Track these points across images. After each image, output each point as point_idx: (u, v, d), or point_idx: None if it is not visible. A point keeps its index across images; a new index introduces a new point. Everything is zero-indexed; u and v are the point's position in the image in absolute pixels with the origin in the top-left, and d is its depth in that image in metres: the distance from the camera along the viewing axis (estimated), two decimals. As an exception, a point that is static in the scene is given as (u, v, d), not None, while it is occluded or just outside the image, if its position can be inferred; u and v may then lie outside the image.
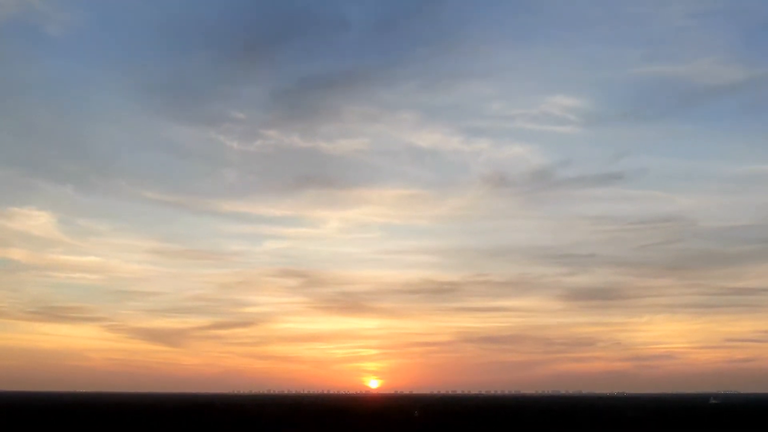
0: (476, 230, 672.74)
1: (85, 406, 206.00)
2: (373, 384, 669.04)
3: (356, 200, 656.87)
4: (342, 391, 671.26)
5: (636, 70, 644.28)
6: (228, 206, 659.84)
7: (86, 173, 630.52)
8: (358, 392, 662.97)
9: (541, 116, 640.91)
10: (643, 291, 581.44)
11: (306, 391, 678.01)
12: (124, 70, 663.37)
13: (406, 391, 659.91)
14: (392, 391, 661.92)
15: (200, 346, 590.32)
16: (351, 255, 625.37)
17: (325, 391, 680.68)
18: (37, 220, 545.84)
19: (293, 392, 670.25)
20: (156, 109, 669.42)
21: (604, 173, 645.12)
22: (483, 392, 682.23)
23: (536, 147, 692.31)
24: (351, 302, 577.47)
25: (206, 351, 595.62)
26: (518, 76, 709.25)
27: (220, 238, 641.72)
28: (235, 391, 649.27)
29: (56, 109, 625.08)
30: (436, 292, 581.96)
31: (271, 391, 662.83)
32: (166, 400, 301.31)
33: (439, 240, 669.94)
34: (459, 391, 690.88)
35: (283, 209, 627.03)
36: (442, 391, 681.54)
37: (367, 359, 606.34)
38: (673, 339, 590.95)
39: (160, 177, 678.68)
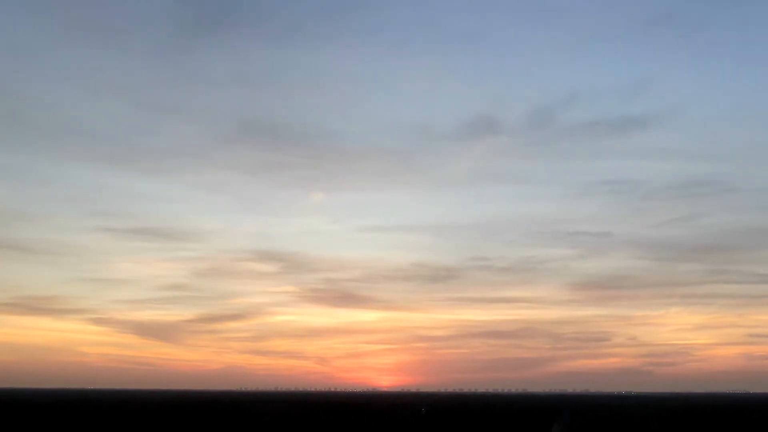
0: (470, 201, 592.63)
1: (98, 405, 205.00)
2: (378, 381, 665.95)
3: (330, 165, 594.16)
4: (347, 389, 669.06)
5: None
6: (184, 171, 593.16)
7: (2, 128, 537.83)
8: (364, 389, 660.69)
9: (550, 39, 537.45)
10: (664, 278, 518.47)
11: (310, 389, 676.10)
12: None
13: (412, 389, 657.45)
14: (397, 389, 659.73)
15: (195, 341, 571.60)
16: (330, 234, 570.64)
17: (330, 389, 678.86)
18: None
19: (300, 389, 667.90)
20: (50, 28, 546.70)
21: (621, 116, 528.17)
22: (490, 390, 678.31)
23: (540, 82, 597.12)
24: (341, 292, 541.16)
25: (203, 346, 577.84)
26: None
27: (182, 214, 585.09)
28: (240, 388, 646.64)
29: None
30: (432, 280, 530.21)
31: (278, 389, 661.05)
32: (180, 398, 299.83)
33: (429, 215, 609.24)
34: (465, 390, 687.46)
35: (248, 176, 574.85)
36: (449, 389, 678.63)
37: (369, 355, 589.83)
38: (695, 334, 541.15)
39: (94, 129, 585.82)
